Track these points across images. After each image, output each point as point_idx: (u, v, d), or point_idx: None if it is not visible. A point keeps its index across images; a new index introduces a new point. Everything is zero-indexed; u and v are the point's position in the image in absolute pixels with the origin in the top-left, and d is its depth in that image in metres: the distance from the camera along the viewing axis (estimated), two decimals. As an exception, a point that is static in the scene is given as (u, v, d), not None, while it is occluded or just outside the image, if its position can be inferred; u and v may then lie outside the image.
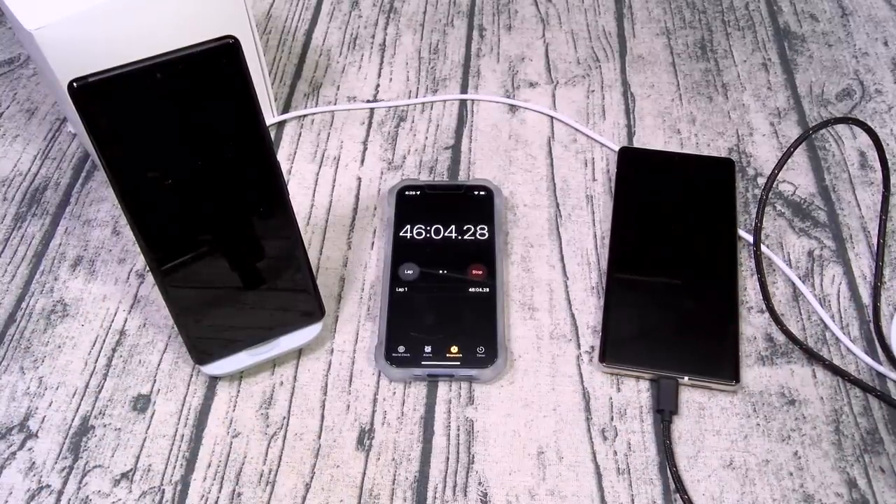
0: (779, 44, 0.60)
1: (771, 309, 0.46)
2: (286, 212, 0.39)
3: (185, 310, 0.40)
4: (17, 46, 0.62)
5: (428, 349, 0.44)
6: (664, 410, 0.42)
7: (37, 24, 0.41)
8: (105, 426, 0.43)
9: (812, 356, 0.44)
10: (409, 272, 0.47)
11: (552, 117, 0.56)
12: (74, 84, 0.31)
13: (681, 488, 0.40)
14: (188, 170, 0.35)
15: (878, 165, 0.53)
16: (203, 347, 0.42)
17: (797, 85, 0.58)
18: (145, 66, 0.32)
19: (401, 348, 0.44)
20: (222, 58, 0.33)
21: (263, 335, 0.43)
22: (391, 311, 0.45)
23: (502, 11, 0.63)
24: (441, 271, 0.47)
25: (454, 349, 0.44)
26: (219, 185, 0.36)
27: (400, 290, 0.46)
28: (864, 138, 0.55)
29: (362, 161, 0.54)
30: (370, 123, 0.56)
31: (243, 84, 0.34)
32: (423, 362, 0.43)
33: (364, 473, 0.41)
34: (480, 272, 0.47)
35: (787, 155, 0.48)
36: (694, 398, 0.43)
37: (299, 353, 0.45)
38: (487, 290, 0.46)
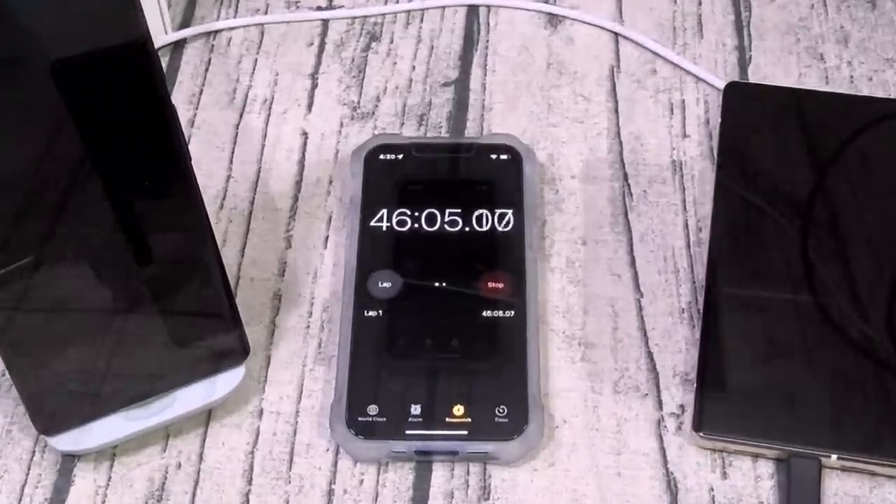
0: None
1: None
2: (186, 187, 0.40)
3: (20, 349, 0.40)
4: None
5: (416, 410, 0.44)
6: None
7: None
8: None
9: None
10: (386, 285, 0.47)
11: (616, 34, 0.56)
12: None
13: None
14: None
15: None
16: (51, 408, 0.42)
17: None
18: None
19: (372, 409, 0.44)
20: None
21: (149, 389, 0.43)
22: (356, 349, 0.45)
23: None
24: (437, 284, 0.47)
25: (458, 410, 0.44)
26: (73, 142, 0.36)
27: (371, 313, 0.46)
28: None
29: (309, 106, 0.54)
30: (322, 45, 0.56)
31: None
32: (407, 431, 0.43)
33: None
34: (501, 285, 0.47)
35: None
36: (846, 489, 0.43)
37: (208, 415, 0.45)
38: (512, 313, 0.46)
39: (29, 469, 0.44)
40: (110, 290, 0.40)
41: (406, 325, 0.46)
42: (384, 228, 0.49)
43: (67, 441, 0.43)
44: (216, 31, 0.57)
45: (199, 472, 0.44)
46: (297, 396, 0.46)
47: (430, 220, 0.49)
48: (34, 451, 0.44)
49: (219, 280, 0.42)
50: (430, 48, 0.56)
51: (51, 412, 0.42)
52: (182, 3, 0.58)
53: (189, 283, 0.42)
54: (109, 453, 0.44)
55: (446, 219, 0.49)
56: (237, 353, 0.44)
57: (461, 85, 0.55)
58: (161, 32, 0.56)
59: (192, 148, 0.52)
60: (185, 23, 0.57)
